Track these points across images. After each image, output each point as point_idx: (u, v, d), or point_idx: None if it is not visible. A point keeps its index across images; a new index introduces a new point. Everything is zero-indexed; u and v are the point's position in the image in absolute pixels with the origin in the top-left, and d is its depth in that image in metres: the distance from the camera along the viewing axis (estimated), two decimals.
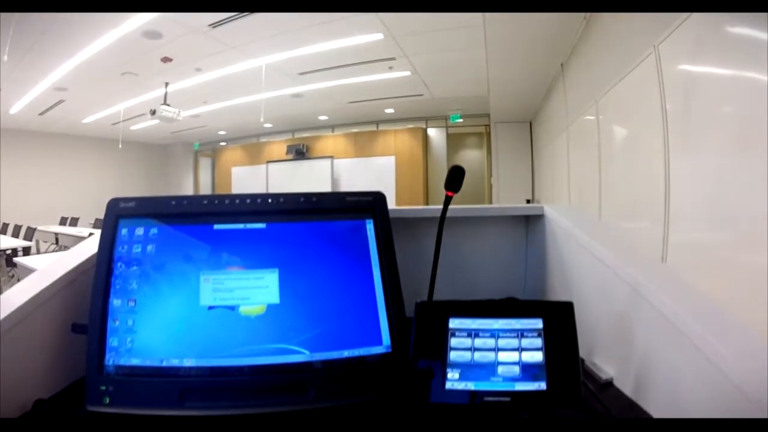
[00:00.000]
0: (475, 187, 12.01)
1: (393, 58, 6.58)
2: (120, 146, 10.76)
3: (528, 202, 9.56)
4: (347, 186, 11.81)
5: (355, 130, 11.99)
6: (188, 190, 15.15)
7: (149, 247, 0.86)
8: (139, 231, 0.87)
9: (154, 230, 0.87)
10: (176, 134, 12.89)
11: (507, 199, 9.78)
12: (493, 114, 9.38)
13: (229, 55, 6.26)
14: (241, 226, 0.89)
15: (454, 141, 12.21)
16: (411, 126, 11.43)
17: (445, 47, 6.06)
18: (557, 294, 1.19)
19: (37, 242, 8.90)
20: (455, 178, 0.98)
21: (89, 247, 0.98)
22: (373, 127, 11.84)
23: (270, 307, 0.84)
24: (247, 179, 13.66)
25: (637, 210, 3.23)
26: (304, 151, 12.25)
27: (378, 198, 0.95)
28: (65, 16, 4.62)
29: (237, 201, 0.90)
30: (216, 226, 0.88)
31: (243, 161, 13.92)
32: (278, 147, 12.94)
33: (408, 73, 7.31)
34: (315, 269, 0.88)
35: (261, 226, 0.89)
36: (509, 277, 1.34)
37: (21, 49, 5.53)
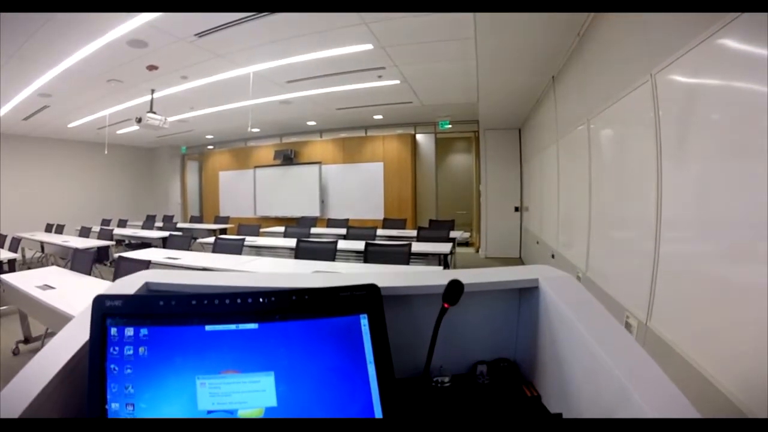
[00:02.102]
0: (464, 193, 12.06)
1: (383, 68, 6.57)
2: (106, 151, 10.64)
3: (516, 209, 9.59)
4: (335, 192, 11.78)
5: (343, 135, 11.95)
6: (175, 194, 15.04)
7: (141, 350, 0.84)
8: (129, 332, 0.84)
9: (144, 331, 0.85)
10: (163, 138, 12.76)
11: (495, 206, 9.81)
12: (482, 121, 9.38)
13: (216, 63, 6.20)
14: (233, 327, 0.86)
15: (443, 146, 12.24)
16: (400, 132, 11.42)
17: (434, 57, 6.05)
18: (546, 366, 1.18)
19: (23, 249, 8.77)
20: (453, 291, 1.01)
21: (74, 339, 0.95)
22: (362, 133, 11.81)
23: (268, 410, 0.83)
24: (235, 184, 13.59)
25: (627, 223, 3.28)
26: (292, 156, 12.19)
27: (371, 291, 0.94)
28: (50, 22, 4.56)
29: (227, 301, 0.87)
30: (207, 328, 0.86)
31: (230, 165, 13.84)
32: (266, 151, 12.89)
33: (397, 81, 7.30)
34: (310, 369, 0.86)
35: (253, 326, 0.87)
36: (501, 343, 1.33)
37: (5, 55, 5.45)
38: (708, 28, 2.00)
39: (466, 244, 11.06)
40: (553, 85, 5.98)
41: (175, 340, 0.85)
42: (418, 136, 11.48)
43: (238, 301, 0.88)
